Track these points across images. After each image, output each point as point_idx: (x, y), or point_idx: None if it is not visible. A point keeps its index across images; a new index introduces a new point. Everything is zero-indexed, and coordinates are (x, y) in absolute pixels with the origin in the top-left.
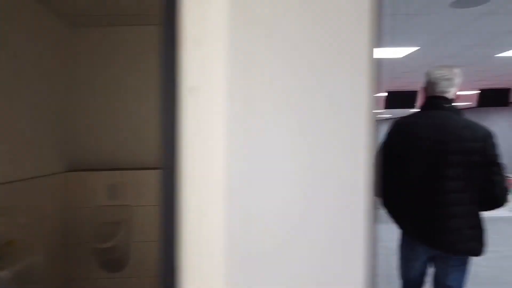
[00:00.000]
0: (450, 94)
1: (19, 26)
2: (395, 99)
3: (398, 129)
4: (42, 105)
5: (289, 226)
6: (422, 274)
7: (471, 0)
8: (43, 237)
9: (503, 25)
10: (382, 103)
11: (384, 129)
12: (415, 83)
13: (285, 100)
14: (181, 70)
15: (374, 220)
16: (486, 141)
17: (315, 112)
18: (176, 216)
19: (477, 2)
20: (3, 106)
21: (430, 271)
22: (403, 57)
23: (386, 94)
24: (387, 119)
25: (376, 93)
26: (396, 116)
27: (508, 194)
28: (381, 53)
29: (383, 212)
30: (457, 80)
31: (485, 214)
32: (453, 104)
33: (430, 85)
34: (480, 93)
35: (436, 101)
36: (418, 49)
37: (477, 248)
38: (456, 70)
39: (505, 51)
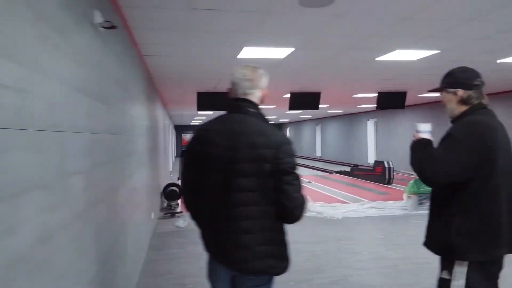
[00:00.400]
0: (253, 97)
1: None
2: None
3: (198, 135)
4: None
5: None
6: None
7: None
8: None
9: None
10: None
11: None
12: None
13: None
14: None
15: None
16: (279, 148)
17: None
18: None
19: (322, 3)
20: None
21: None
22: (284, 58)
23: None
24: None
25: None
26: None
27: (304, 206)
28: (260, 53)
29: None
30: (262, 81)
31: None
32: (258, 107)
33: (232, 86)
34: (378, 96)
35: (236, 104)
36: (294, 50)
37: (274, 266)
38: (261, 71)
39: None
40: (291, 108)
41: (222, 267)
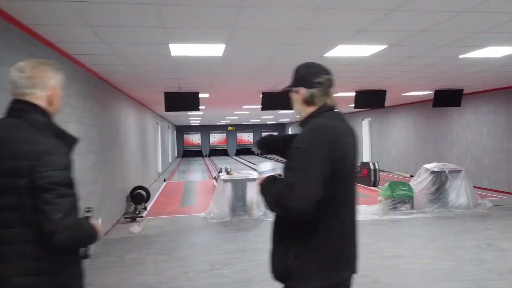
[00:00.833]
0: (35, 98)
1: None
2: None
3: None
4: None
5: None
6: None
7: None
8: None
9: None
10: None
11: None
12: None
13: None
14: None
15: None
16: (39, 159)
17: None
18: None
19: None
20: None
21: None
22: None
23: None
24: None
25: None
26: None
27: (82, 230)
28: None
29: None
30: (48, 79)
31: None
32: (44, 110)
33: (10, 85)
34: (356, 95)
35: (10, 107)
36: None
37: None
38: (47, 66)
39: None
40: (263, 108)
41: None
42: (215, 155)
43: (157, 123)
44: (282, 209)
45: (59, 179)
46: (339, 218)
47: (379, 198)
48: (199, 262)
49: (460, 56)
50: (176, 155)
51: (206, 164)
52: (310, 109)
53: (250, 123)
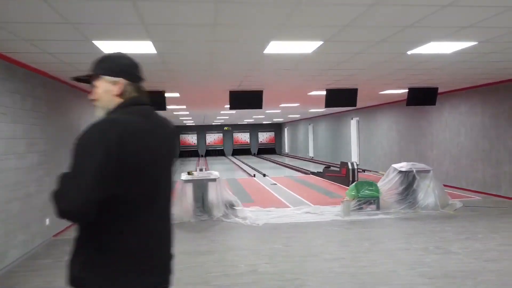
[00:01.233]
0: None
1: None
2: None
3: None
4: None
5: None
6: None
7: None
8: None
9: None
10: None
11: None
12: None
13: None
14: None
15: None
16: None
17: None
18: None
19: None
20: None
21: None
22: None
23: None
24: None
25: None
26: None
27: None
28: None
29: None
30: None
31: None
32: None
33: None
34: (327, 94)
35: None
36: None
37: None
38: None
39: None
40: (232, 108)
41: None
42: (212, 156)
43: None
44: (56, 210)
45: None
46: (138, 220)
47: (345, 198)
48: None
49: (409, 53)
50: None
51: (199, 163)
52: (118, 101)
53: (245, 123)
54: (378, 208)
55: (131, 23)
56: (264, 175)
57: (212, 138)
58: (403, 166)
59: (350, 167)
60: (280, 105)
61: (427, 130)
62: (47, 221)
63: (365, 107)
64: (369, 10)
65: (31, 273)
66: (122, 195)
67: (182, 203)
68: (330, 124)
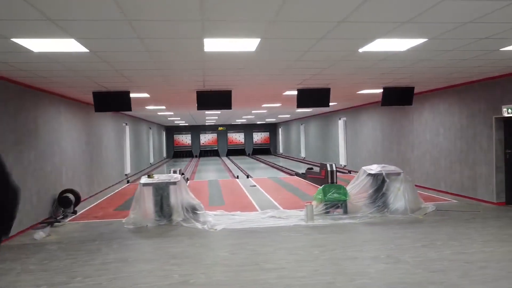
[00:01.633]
0: None
1: None
2: None
3: None
4: None
5: None
6: None
7: None
8: None
9: None
10: None
11: None
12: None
13: None
14: None
15: None
16: None
17: None
18: None
19: None
20: None
21: None
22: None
23: None
24: None
25: None
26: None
27: None
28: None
29: None
30: None
31: None
32: None
33: None
34: (298, 94)
35: None
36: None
37: None
38: None
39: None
40: (199, 108)
41: None
42: (206, 156)
43: (126, 124)
44: None
45: None
46: None
47: (309, 203)
48: (63, 274)
49: (360, 50)
50: (165, 156)
51: (190, 164)
52: None
53: (240, 123)
54: (345, 212)
55: (37, 18)
56: (248, 176)
57: (206, 139)
58: (373, 168)
59: (329, 168)
60: (263, 105)
61: (408, 130)
62: None
63: (351, 107)
64: (287, 4)
65: None
66: None
67: (140, 207)
68: (320, 124)
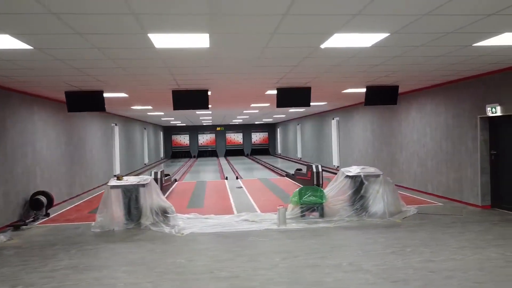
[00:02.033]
0: None
1: None
2: None
3: None
4: None
5: None
6: None
7: None
8: None
9: None
10: None
11: None
12: None
13: None
14: None
15: None
16: None
17: None
18: None
19: None
20: None
21: None
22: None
23: None
24: None
25: None
26: None
27: None
28: None
29: None
30: None
31: None
32: None
33: None
34: (277, 94)
35: None
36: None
37: None
38: None
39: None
40: (175, 108)
41: None
42: (204, 156)
43: (115, 124)
44: None
45: None
46: None
47: (288, 206)
48: (5, 282)
49: (322, 46)
50: (163, 156)
51: (185, 164)
52: None
53: (237, 123)
54: (321, 215)
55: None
56: (237, 177)
57: (205, 139)
58: (351, 170)
59: (314, 169)
60: (251, 105)
61: (397, 130)
62: None
63: (343, 107)
64: None
65: None
66: None
67: (108, 210)
68: (314, 124)
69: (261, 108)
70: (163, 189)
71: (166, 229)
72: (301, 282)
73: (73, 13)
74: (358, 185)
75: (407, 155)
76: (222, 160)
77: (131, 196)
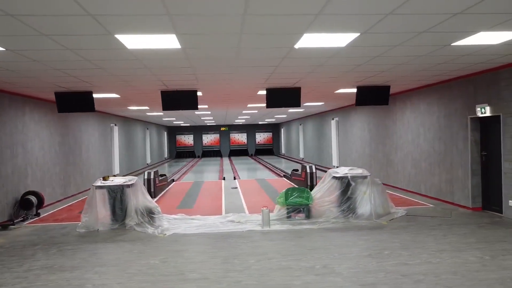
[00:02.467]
0: None
1: None
2: None
3: None
4: None
5: None
6: None
7: None
8: None
9: None
10: None
11: None
12: None
13: None
14: None
15: None
16: None
17: None
18: None
19: None
20: None
21: None
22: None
23: None
24: None
25: None
26: None
27: None
28: None
29: None
30: None
31: None
32: None
33: None
34: (267, 94)
35: None
36: None
37: None
38: None
39: None
40: (164, 109)
41: None
42: (208, 156)
43: (114, 124)
44: None
45: None
46: None
47: (275, 207)
48: None
49: (296, 47)
50: (167, 156)
51: (187, 164)
52: None
53: (241, 123)
54: (307, 217)
55: None
56: (235, 177)
57: (209, 139)
58: (339, 171)
59: (308, 170)
60: (248, 105)
61: (392, 130)
62: None
63: (342, 107)
64: None
65: None
66: None
67: (92, 210)
68: (316, 124)
69: (258, 109)
70: (157, 189)
71: (150, 230)
72: (269, 285)
73: (34, 15)
74: (345, 186)
75: (401, 156)
76: (225, 160)
77: (116, 196)
